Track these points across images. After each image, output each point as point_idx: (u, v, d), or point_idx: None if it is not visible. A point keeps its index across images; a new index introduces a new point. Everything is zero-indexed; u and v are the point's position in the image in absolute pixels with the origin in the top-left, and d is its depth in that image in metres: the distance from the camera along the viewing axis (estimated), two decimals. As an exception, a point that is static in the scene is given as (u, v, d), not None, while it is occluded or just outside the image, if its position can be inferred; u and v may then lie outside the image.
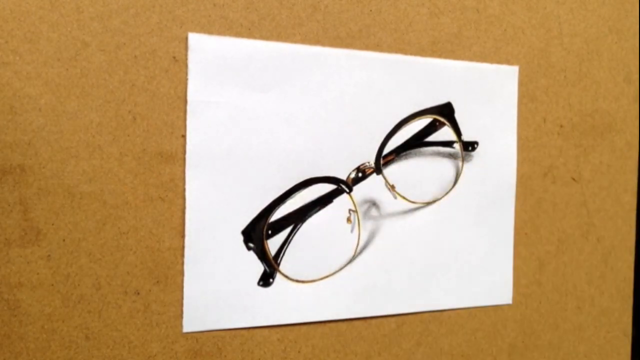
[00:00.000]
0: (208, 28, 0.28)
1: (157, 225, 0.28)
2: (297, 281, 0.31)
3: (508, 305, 0.37)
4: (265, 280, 0.30)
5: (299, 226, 0.31)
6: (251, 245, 0.29)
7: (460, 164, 0.35)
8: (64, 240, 0.26)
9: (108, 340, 0.27)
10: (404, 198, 0.33)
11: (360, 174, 0.32)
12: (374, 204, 0.33)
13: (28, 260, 0.26)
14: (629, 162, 0.40)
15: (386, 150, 0.32)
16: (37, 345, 0.26)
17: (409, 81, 0.33)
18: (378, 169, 0.32)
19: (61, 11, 0.26)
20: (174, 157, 0.28)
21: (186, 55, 0.28)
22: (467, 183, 0.35)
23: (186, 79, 0.28)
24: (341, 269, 0.32)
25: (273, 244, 0.30)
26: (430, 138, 0.34)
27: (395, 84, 0.32)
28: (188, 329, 0.29)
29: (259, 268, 0.30)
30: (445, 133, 0.34)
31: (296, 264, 0.31)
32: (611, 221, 0.40)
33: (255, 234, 0.30)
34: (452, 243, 0.35)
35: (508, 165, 0.36)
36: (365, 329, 0.33)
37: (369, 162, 0.32)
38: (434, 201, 0.34)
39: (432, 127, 0.34)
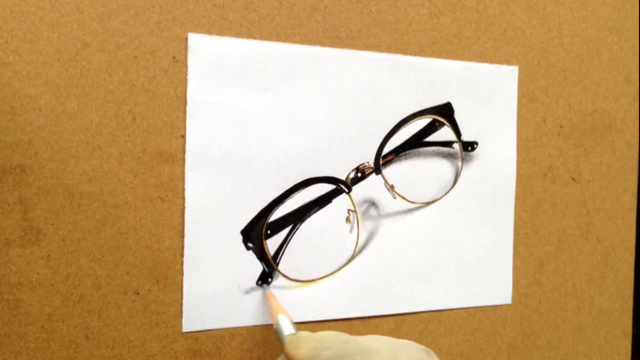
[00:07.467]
0: (208, 28, 0.29)
1: (157, 225, 0.28)
2: (296, 281, 0.31)
3: (507, 305, 0.37)
4: (264, 279, 0.30)
5: (298, 226, 0.31)
6: (250, 245, 0.30)
7: (459, 164, 0.35)
8: (63, 240, 0.26)
9: (108, 340, 0.27)
10: (403, 198, 0.33)
11: (359, 174, 0.32)
12: (373, 204, 0.33)
13: (28, 260, 0.26)
14: (629, 162, 0.40)
15: (385, 150, 0.32)
16: (37, 345, 0.26)
17: (409, 81, 0.33)
18: (377, 169, 0.32)
19: (61, 11, 0.26)
20: (173, 157, 0.28)
21: (186, 55, 0.28)
22: (467, 183, 0.35)
23: (186, 79, 0.28)
24: (340, 268, 0.32)
25: (272, 244, 0.30)
26: (430, 138, 0.34)
27: (395, 84, 0.32)
28: (187, 328, 0.29)
29: (258, 268, 0.30)
30: (444, 133, 0.34)
31: (295, 263, 0.31)
32: (611, 221, 0.40)
33: (255, 233, 0.30)
34: (452, 243, 0.35)
35: (508, 166, 0.36)
36: (364, 329, 0.33)
37: (368, 162, 0.32)
38: (434, 201, 0.34)
39: (431, 127, 0.34)
